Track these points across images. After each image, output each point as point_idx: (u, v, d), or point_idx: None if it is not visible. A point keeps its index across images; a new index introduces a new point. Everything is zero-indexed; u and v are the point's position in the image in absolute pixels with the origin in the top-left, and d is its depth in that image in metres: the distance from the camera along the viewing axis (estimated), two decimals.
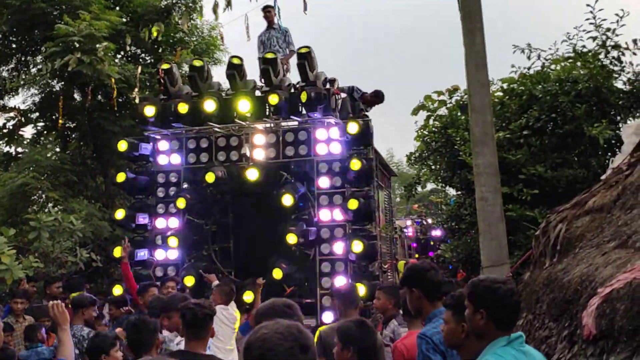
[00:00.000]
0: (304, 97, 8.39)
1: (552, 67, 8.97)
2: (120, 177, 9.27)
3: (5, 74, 15.25)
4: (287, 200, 8.21)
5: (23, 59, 15.35)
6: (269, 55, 8.84)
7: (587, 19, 8.24)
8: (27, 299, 7.91)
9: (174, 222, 9.15)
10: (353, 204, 8.08)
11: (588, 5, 8.16)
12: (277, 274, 8.15)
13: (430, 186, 22.08)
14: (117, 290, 9.01)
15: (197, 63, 9.25)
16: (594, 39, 8.33)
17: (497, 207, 6.44)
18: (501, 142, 8.17)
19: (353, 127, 8.29)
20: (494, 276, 3.18)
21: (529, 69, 9.05)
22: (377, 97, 10.63)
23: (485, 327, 2.87)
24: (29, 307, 7.92)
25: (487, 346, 2.85)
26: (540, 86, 8.49)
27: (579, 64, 8.57)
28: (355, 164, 8.14)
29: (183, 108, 8.76)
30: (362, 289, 7.57)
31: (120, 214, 9.29)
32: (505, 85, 9.31)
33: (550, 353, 4.33)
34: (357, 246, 8.12)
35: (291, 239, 8.14)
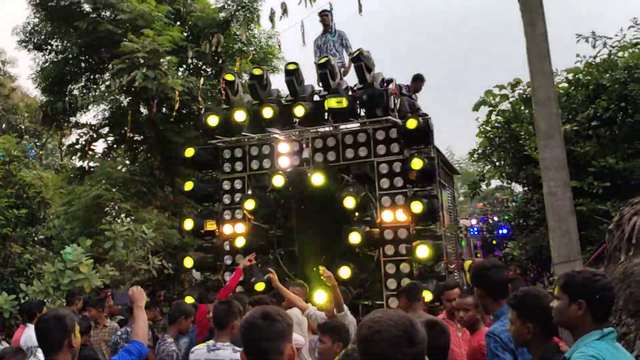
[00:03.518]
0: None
1: (620, 54, 8.63)
2: (188, 185, 9.55)
3: (76, 91, 16.06)
4: (350, 202, 8.21)
5: (92, 77, 16.15)
6: (323, 60, 8.89)
7: None
8: (98, 309, 8.10)
9: (241, 228, 9.34)
10: (417, 206, 7.98)
11: None
12: (345, 272, 8.13)
13: (494, 183, 21.62)
14: (189, 300, 9.21)
15: (257, 72, 9.43)
16: None
17: (566, 202, 6.22)
18: (568, 135, 7.92)
19: (412, 123, 8.18)
20: (592, 269, 3.13)
21: (594, 57, 8.75)
22: (419, 81, 10.68)
23: (582, 319, 2.81)
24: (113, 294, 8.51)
25: (578, 339, 2.80)
26: (607, 75, 8.18)
27: None
28: (417, 163, 8.02)
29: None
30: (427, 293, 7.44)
31: (189, 224, 9.54)
32: (570, 76, 9.02)
33: (629, 350, 4.17)
34: (423, 252, 7.95)
35: (354, 237, 8.11)
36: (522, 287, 4.57)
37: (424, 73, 10.68)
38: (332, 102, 8.23)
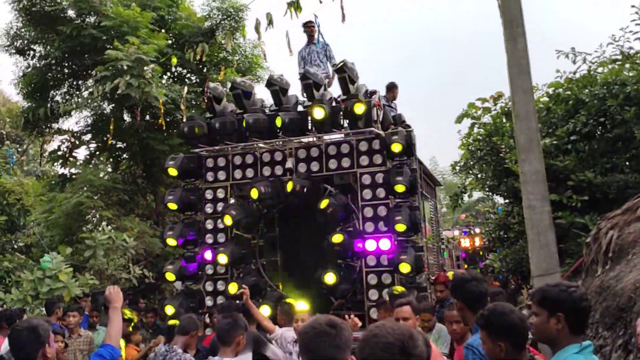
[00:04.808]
0: (357, 109, 8.42)
1: (599, 70, 8.78)
2: (172, 205, 9.50)
3: (58, 98, 15.91)
4: (324, 203, 8.24)
5: (75, 83, 16.01)
6: (305, 71, 8.97)
7: (633, 20, 8.05)
8: (81, 313, 8.09)
9: (223, 237, 9.33)
10: (400, 227, 8.05)
11: (633, 6, 7.98)
12: (331, 278, 8.13)
13: (476, 195, 21.79)
14: (169, 309, 9.11)
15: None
16: None
17: (545, 215, 6.30)
18: (548, 149, 8.02)
19: (397, 147, 8.26)
20: (565, 281, 3.14)
21: (574, 73, 8.89)
22: (393, 89, 10.96)
23: (561, 333, 2.84)
24: (91, 293, 8.47)
25: (557, 352, 2.82)
26: (587, 90, 8.31)
27: (627, 65, 8.36)
28: (400, 187, 8.13)
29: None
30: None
31: (172, 241, 9.47)
32: (550, 91, 9.15)
33: None
34: (404, 268, 8.01)
35: (336, 237, 8.16)
36: (503, 300, 4.63)
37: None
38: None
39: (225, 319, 4.52)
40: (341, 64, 8.67)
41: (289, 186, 8.67)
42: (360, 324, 5.97)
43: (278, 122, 8.75)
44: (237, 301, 7.41)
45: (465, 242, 22.50)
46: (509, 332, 3.01)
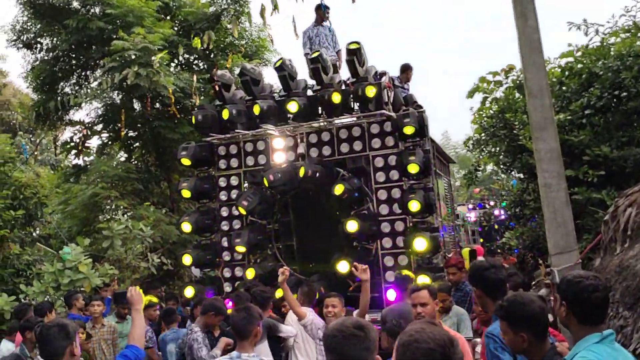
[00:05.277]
0: (369, 92, 8.33)
1: (612, 40, 8.61)
2: (186, 193, 9.52)
3: (67, 89, 15.95)
4: (338, 189, 8.19)
5: (84, 74, 16.03)
6: (316, 54, 8.84)
7: None
8: (103, 302, 8.21)
9: (238, 224, 9.38)
10: (415, 205, 7.95)
11: None
12: (343, 267, 8.15)
13: (490, 168, 21.64)
14: (189, 291, 9.23)
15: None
16: None
17: (561, 193, 6.25)
18: (562, 124, 7.93)
19: (409, 129, 8.15)
20: (584, 272, 3.11)
21: (587, 46, 8.72)
22: (408, 70, 10.83)
23: (567, 320, 2.87)
24: (112, 294, 8.72)
25: (578, 342, 2.82)
26: (600, 63, 8.17)
27: None
28: (413, 167, 8.06)
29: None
30: (425, 281, 7.42)
31: (187, 226, 9.48)
32: (563, 62, 9.00)
33: (627, 343, 4.22)
34: (421, 244, 7.91)
35: (352, 225, 8.13)
36: (520, 282, 4.61)
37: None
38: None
39: (238, 312, 4.36)
40: (355, 45, 8.54)
41: (302, 171, 8.65)
42: (366, 269, 5.79)
43: (293, 107, 8.69)
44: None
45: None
46: (530, 322, 3.00)
